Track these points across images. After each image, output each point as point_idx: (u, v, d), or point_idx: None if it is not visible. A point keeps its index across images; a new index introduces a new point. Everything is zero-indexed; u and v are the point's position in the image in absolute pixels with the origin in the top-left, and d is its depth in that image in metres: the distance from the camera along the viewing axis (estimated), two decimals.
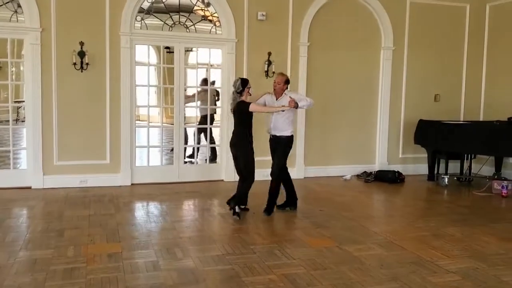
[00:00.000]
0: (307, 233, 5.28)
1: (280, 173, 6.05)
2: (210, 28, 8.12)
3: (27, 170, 7.37)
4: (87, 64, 7.36)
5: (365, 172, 8.83)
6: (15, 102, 10.00)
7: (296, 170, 8.52)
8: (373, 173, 8.65)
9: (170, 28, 7.89)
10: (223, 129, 8.13)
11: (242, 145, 5.82)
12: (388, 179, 8.35)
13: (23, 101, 8.57)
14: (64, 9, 7.23)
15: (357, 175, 8.79)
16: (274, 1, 8.19)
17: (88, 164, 7.53)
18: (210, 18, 8.07)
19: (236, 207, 5.77)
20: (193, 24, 7.99)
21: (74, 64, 7.32)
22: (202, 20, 8.05)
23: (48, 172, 7.38)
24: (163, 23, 7.87)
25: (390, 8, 8.75)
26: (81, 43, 7.35)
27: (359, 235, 5.23)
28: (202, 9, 8.05)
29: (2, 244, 4.73)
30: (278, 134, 6.09)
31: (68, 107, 7.38)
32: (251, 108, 5.73)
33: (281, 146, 6.06)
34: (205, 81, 8.74)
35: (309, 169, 8.66)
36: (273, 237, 5.14)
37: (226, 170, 8.18)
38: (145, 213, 6.15)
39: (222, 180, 8.19)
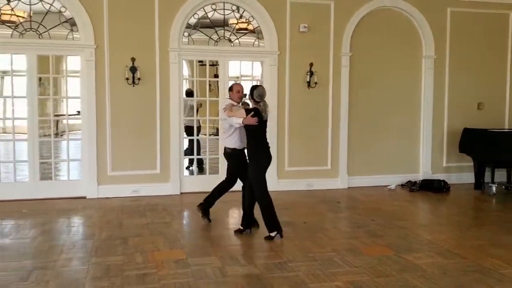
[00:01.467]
0: (363, 242, 5.36)
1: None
2: (253, 41, 8.31)
3: (82, 181, 7.66)
4: (138, 79, 7.64)
5: (409, 181, 8.84)
6: (55, 116, 10.41)
7: (340, 180, 8.60)
8: (417, 182, 8.65)
9: (216, 43, 8.12)
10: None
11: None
12: (434, 188, 8.35)
13: (63, 115, 8.91)
14: (116, 27, 7.53)
15: (401, 185, 8.81)
16: (316, 13, 8.34)
17: (140, 174, 7.78)
18: (252, 31, 8.25)
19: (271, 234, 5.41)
20: (237, 38, 8.20)
21: (127, 79, 7.61)
22: (245, 34, 8.24)
23: (102, 182, 7.65)
24: (208, 38, 8.10)
25: (431, 17, 8.81)
26: (133, 59, 7.64)
27: (415, 243, 5.29)
28: (246, 23, 8.25)
29: (73, 250, 4.97)
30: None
31: (121, 119, 7.66)
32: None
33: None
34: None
35: (352, 179, 8.72)
36: (329, 246, 5.23)
37: (271, 181, 8.28)
38: (200, 221, 6.32)
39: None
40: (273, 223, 5.38)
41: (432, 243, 5.26)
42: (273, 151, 7.88)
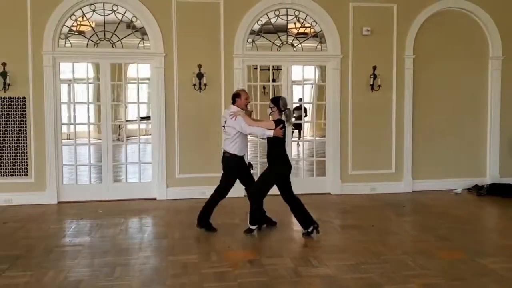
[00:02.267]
0: (434, 245, 5.31)
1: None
2: (316, 45, 8.38)
3: (152, 183, 7.98)
4: (205, 84, 7.89)
5: (476, 185, 8.61)
6: (116, 121, 10.85)
7: (404, 183, 8.50)
8: (485, 186, 8.40)
9: (279, 48, 8.26)
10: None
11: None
12: (503, 192, 8.09)
13: (127, 121, 9.23)
14: (184, 35, 7.82)
15: (468, 189, 8.58)
16: (379, 16, 8.31)
17: (206, 176, 7.99)
18: (315, 35, 8.32)
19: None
20: (300, 43, 8.30)
21: (194, 85, 7.87)
22: (308, 38, 8.32)
23: (171, 185, 7.94)
24: (272, 43, 8.25)
25: (497, 17, 8.56)
26: (199, 66, 7.89)
27: (489, 248, 5.18)
28: (308, 27, 8.33)
29: (151, 249, 5.22)
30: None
31: (188, 124, 7.92)
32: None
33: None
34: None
35: (417, 182, 8.59)
36: (400, 248, 5.22)
37: (333, 184, 8.34)
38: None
39: (329, 194, 8.34)
40: (256, 218, 5.78)
41: (508, 248, 5.13)
42: (336, 154, 7.99)
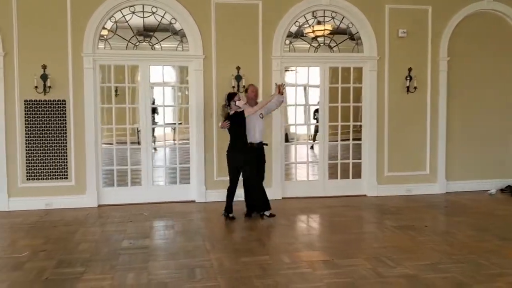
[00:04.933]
0: (497, 244, 5.35)
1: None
2: (353, 47, 8.42)
3: (191, 186, 7.94)
4: (243, 86, 7.86)
5: (509, 186, 8.71)
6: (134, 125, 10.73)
7: (438, 184, 8.56)
8: None
9: (316, 50, 8.28)
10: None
11: (244, 151, 6.67)
12: None
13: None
14: (223, 37, 7.81)
15: (501, 189, 8.67)
16: (414, 18, 8.38)
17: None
18: (352, 38, 8.37)
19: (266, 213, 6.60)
20: (337, 45, 8.33)
21: (233, 87, 7.86)
22: (345, 40, 8.36)
23: (210, 187, 7.91)
24: (309, 45, 8.27)
25: None
26: (238, 68, 7.89)
27: None
28: (346, 28, 8.37)
29: (218, 250, 5.19)
30: (260, 140, 6.82)
31: None
32: (248, 111, 6.60)
33: (263, 153, 6.90)
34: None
35: (450, 183, 8.66)
36: (466, 248, 5.24)
37: (369, 186, 8.37)
38: (321, 225, 6.47)
39: (365, 195, 8.37)
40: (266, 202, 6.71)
41: None
42: (372, 156, 8.02)
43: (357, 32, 8.33)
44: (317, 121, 13.12)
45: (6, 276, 4.41)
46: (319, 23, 8.27)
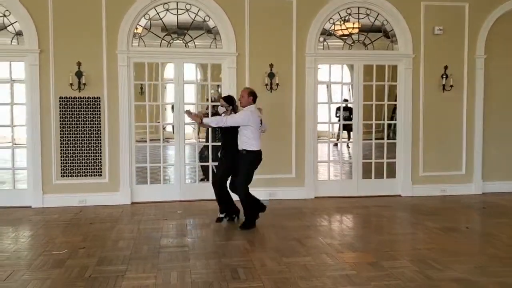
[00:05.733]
0: None
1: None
2: (387, 44, 8.27)
3: None
4: (277, 84, 7.82)
5: None
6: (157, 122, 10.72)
7: (474, 185, 8.37)
8: None
9: (350, 47, 8.15)
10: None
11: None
12: None
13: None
14: (256, 35, 7.74)
15: None
16: (450, 15, 8.20)
17: (272, 178, 7.89)
18: (386, 36, 8.22)
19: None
20: (371, 42, 8.19)
21: (266, 84, 7.80)
22: (380, 37, 8.22)
23: None
24: (343, 42, 8.14)
25: None
26: (271, 65, 7.80)
27: None
28: (381, 25, 8.22)
29: (257, 249, 5.14)
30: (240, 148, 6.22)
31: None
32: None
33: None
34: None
35: (487, 184, 8.46)
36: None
37: (403, 185, 8.22)
38: (359, 225, 6.36)
39: (399, 195, 8.22)
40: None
41: None
42: (407, 156, 7.85)
43: (392, 30, 8.18)
44: (339, 119, 12.99)
45: (47, 274, 4.41)
46: (353, 20, 8.11)
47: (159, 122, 8.76)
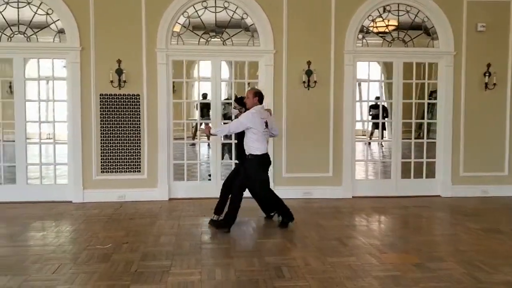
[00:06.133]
0: None
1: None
2: (428, 42, 8.10)
3: None
4: (315, 82, 7.74)
5: None
6: (188, 120, 10.75)
7: None
8: None
9: (389, 44, 8.02)
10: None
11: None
12: None
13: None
14: (294, 32, 7.71)
15: None
16: (494, 11, 7.99)
17: (312, 176, 7.85)
18: (427, 33, 8.05)
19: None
20: (411, 39, 8.04)
21: (304, 82, 7.73)
22: (420, 35, 8.06)
23: (279, 183, 7.81)
24: (382, 39, 8.02)
25: None
26: (309, 63, 7.75)
27: None
28: (422, 22, 8.06)
29: (300, 249, 5.09)
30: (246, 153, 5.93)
31: (296, 122, 7.81)
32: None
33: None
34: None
35: None
36: None
37: (443, 186, 8.05)
38: (399, 225, 6.27)
39: (439, 196, 8.05)
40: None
41: None
42: (447, 155, 7.68)
43: (433, 27, 8.02)
44: (372, 118, 12.93)
45: (94, 268, 4.47)
46: (392, 17, 7.98)
47: (202, 121, 8.78)
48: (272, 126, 6.08)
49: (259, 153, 5.76)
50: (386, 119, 11.65)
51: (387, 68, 8.17)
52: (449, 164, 8.07)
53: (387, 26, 8.12)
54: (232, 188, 5.88)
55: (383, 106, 12.03)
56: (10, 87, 7.79)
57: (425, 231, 5.98)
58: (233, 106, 6.22)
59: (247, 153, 5.81)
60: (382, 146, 12.62)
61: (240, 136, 6.01)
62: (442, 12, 7.91)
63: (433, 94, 9.21)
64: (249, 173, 5.79)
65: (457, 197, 7.92)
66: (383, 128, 12.85)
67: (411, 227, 6.20)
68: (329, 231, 5.81)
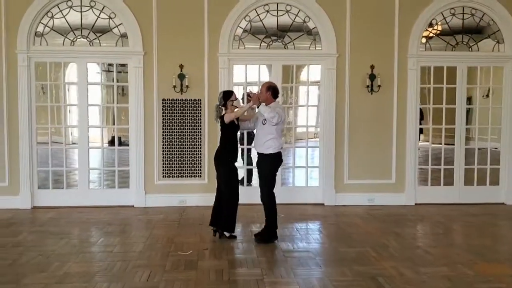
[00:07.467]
0: None
1: (268, 200, 5.46)
2: (493, 45, 7.91)
3: (318, 188, 7.78)
4: (378, 86, 7.61)
5: None
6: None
7: None
8: None
9: (453, 48, 7.84)
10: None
11: (220, 162, 5.54)
12: None
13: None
14: (357, 36, 7.62)
15: None
16: None
17: (375, 183, 7.71)
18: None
19: (225, 233, 5.56)
20: (476, 43, 7.85)
21: (367, 86, 7.60)
22: (485, 38, 7.87)
23: (339, 190, 7.71)
24: (446, 43, 7.85)
25: None
26: (372, 67, 7.62)
27: None
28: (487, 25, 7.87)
29: (384, 257, 4.95)
30: (258, 151, 5.54)
31: (358, 127, 7.72)
32: (225, 118, 5.44)
33: (260, 166, 5.53)
34: None
35: None
36: None
37: (508, 193, 7.83)
38: (477, 234, 6.11)
39: (503, 204, 7.83)
40: (231, 227, 5.60)
41: None
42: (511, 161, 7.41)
43: (498, 30, 7.81)
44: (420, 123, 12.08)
45: (186, 275, 4.40)
46: (456, 21, 7.80)
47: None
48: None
49: (276, 151, 5.48)
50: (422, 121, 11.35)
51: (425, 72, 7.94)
52: None
53: (450, 29, 7.93)
54: (261, 198, 5.53)
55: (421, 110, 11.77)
56: (42, 88, 7.82)
57: (508, 240, 5.77)
58: (235, 97, 5.66)
59: (261, 151, 5.50)
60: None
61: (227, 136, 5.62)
62: (509, 15, 7.73)
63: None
64: (264, 171, 5.50)
65: None
66: (420, 132, 12.56)
67: (489, 236, 6.00)
68: (408, 239, 5.68)
